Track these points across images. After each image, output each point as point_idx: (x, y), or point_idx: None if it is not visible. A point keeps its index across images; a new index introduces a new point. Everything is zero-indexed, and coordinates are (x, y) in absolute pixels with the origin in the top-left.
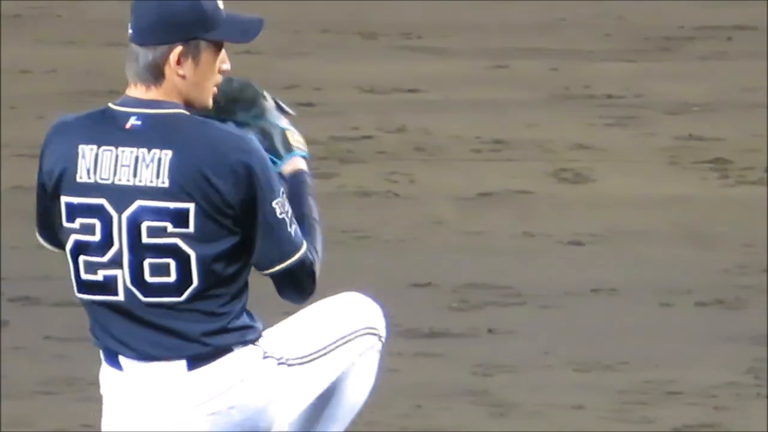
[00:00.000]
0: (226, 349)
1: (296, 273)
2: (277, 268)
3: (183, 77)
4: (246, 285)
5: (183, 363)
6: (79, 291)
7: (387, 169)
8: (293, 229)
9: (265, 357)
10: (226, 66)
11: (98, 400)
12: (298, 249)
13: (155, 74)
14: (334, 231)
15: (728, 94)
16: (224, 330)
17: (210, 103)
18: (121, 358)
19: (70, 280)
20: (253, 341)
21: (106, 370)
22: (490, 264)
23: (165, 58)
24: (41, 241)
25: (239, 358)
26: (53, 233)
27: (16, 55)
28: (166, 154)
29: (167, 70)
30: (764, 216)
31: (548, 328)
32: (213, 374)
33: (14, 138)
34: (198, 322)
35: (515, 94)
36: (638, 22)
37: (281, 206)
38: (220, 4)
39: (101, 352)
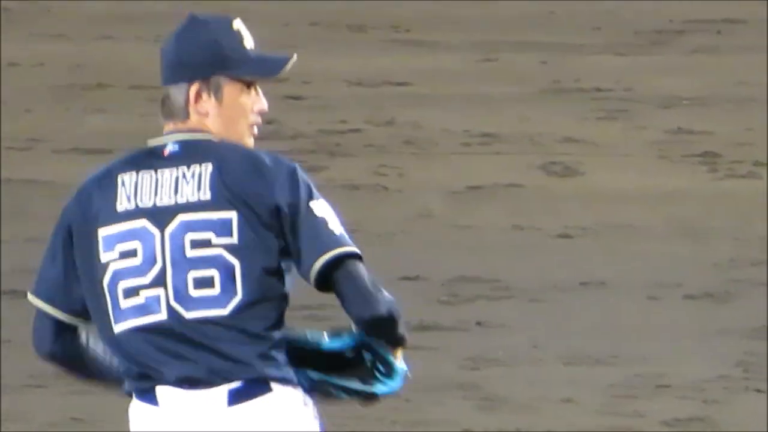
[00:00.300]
0: (266, 383)
1: (345, 272)
2: (320, 261)
3: (205, 114)
4: (284, 317)
5: (223, 395)
6: (118, 321)
7: (376, 162)
8: (338, 231)
9: (305, 404)
10: (259, 106)
11: (88, 393)
12: (343, 244)
13: (181, 112)
14: None
15: (718, 88)
16: (266, 356)
17: (248, 142)
18: (158, 390)
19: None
20: (292, 383)
21: (138, 408)
22: (479, 257)
23: (185, 95)
24: (36, 300)
25: (280, 398)
26: (56, 292)
27: (5, 49)
28: (207, 168)
29: (190, 108)
30: (754, 209)
31: (538, 322)
32: (253, 412)
33: (4, 132)
34: (240, 342)
35: (505, 87)
36: (628, 16)
37: (319, 208)
38: (247, 44)
39: (135, 392)
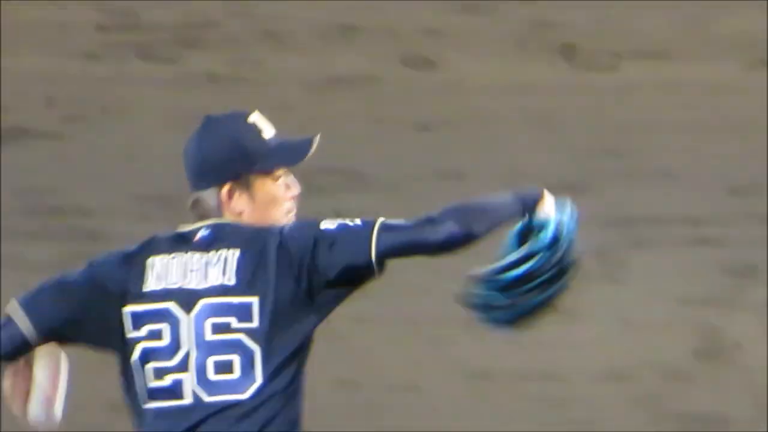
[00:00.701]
0: None
1: (391, 247)
2: (372, 247)
3: (240, 213)
4: (301, 395)
5: None
6: (147, 399)
7: (234, 54)
8: (352, 231)
9: None
10: (291, 192)
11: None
12: (366, 244)
13: (215, 213)
14: (178, 116)
15: None
16: None
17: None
18: None
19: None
20: None
21: None
22: (338, 149)
23: (217, 198)
24: (14, 304)
25: None
26: (39, 306)
27: None
28: (233, 254)
29: (224, 209)
30: (611, 100)
31: (395, 213)
32: None
33: None
34: (261, 426)
35: None
36: None
37: (331, 222)
38: (266, 134)
39: None
